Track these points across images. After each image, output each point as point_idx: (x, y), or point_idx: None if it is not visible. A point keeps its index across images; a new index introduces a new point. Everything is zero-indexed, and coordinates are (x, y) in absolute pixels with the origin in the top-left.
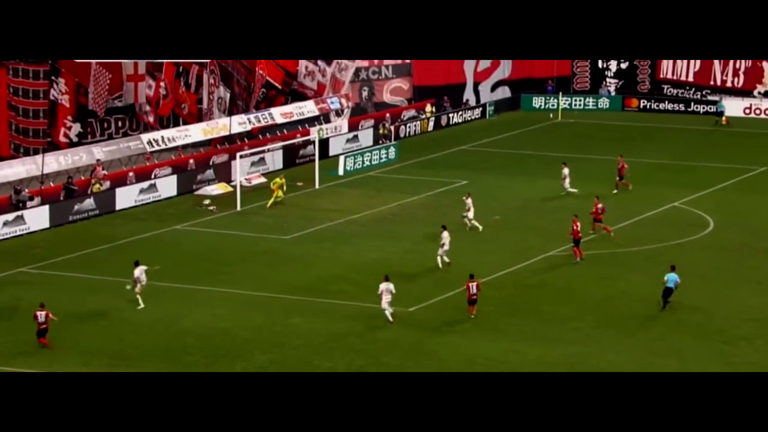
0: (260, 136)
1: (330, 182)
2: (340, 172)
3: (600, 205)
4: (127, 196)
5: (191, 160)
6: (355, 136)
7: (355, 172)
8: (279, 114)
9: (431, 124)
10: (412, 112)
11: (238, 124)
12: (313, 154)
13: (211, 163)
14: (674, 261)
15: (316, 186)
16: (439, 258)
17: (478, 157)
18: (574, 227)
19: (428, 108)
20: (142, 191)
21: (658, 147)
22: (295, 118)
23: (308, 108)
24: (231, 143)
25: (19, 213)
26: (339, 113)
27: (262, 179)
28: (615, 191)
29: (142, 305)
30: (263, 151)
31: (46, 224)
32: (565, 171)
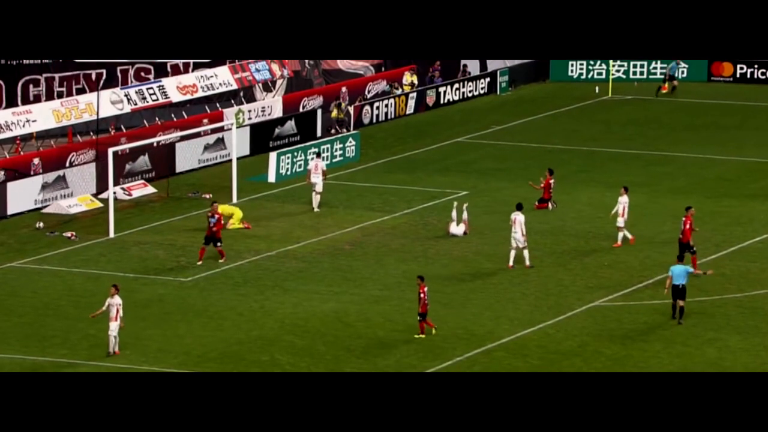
0: (145, 122)
1: (254, 194)
2: (271, 178)
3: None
4: None
5: (35, 160)
6: (294, 123)
7: (293, 178)
8: (174, 87)
9: (411, 103)
10: (383, 85)
11: (111, 103)
12: (229, 151)
13: (67, 163)
14: None
15: (233, 200)
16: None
17: (484, 153)
18: (686, 226)
19: (407, 78)
20: None
21: (764, 138)
22: (200, 93)
23: (221, 78)
24: (99, 133)
25: None
26: (269, 87)
27: (149, 189)
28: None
29: None
30: (149, 146)
31: None
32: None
